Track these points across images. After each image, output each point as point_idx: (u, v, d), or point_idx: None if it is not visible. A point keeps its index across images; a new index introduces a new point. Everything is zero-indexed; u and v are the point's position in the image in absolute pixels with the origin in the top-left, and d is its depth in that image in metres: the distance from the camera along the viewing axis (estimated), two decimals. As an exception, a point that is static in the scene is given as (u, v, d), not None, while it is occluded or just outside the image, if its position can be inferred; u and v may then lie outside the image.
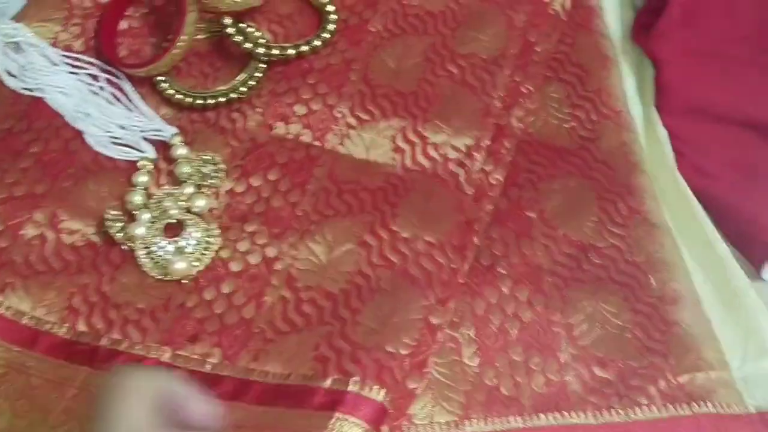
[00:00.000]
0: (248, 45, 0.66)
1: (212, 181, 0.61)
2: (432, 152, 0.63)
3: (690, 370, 0.54)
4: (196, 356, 0.53)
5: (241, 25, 0.68)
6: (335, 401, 0.49)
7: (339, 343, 0.51)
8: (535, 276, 0.59)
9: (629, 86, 0.71)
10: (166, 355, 0.52)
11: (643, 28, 0.72)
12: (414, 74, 0.67)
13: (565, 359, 0.55)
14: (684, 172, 0.66)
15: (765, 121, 0.67)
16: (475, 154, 0.62)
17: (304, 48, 0.67)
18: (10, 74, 0.65)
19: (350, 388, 0.49)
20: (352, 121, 0.64)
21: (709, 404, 0.52)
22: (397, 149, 0.63)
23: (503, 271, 0.59)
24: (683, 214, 0.63)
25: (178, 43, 0.64)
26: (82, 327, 0.54)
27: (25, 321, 0.54)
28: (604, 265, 0.60)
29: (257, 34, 0.68)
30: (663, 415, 0.52)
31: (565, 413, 0.53)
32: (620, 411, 0.53)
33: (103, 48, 0.67)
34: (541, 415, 0.52)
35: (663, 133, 0.68)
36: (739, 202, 0.63)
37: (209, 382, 0.51)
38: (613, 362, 0.55)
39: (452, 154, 0.62)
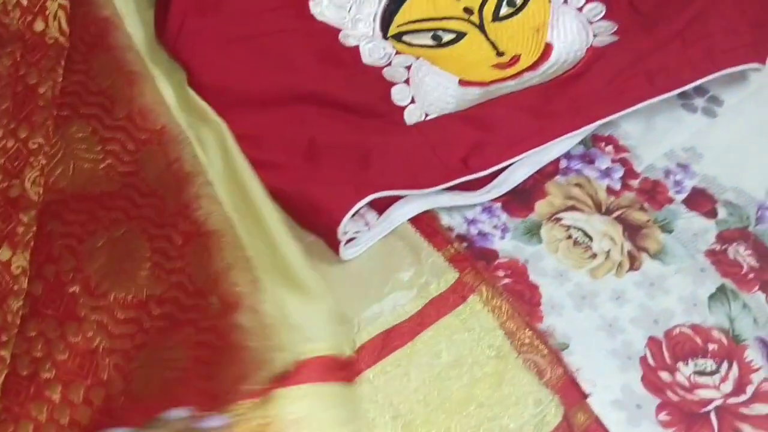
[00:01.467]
0: None
1: None
2: None
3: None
4: None
5: None
6: None
7: None
8: (90, 365, 0.49)
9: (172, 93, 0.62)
10: None
11: (163, 29, 0.63)
12: None
13: None
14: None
15: (310, 91, 0.61)
16: None
17: None
18: None
19: None
20: None
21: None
22: None
23: (48, 375, 0.48)
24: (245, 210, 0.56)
25: None
26: None
27: None
28: (166, 313, 0.51)
29: None
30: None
31: None
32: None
33: None
34: None
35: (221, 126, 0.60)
36: (300, 188, 0.57)
37: None
38: None
39: None
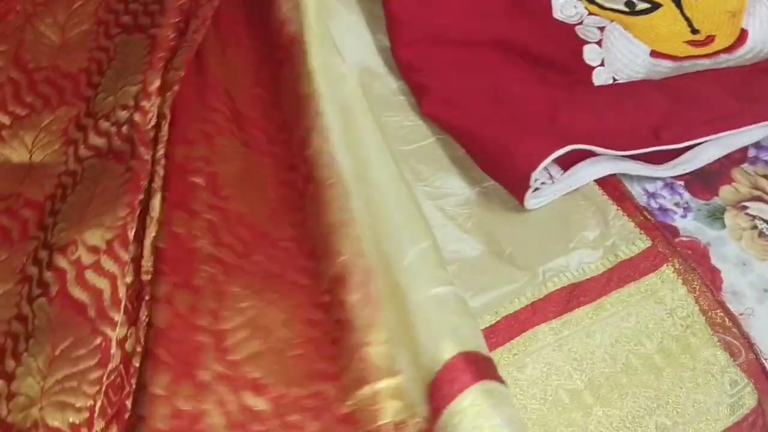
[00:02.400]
0: None
1: None
2: (104, 124, 0.48)
3: (357, 386, 0.41)
4: None
5: None
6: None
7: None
8: (184, 263, 0.44)
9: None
10: None
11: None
12: (84, 45, 0.53)
13: (205, 379, 0.40)
14: (430, 109, 0.58)
15: (500, 37, 0.60)
16: (143, 103, 0.47)
17: None
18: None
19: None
20: (4, 119, 0.50)
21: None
22: (69, 141, 0.49)
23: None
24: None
25: None
26: None
27: None
28: (279, 259, 0.46)
29: None
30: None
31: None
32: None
33: None
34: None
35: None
36: (490, 131, 0.55)
37: None
38: (271, 387, 0.41)
39: (123, 115, 0.48)
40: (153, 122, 0.47)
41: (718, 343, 0.47)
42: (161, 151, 0.46)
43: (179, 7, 0.52)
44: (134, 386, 0.39)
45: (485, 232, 0.53)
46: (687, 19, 0.64)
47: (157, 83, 0.48)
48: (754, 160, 0.60)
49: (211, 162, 0.47)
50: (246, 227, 0.46)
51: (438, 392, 0.40)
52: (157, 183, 0.45)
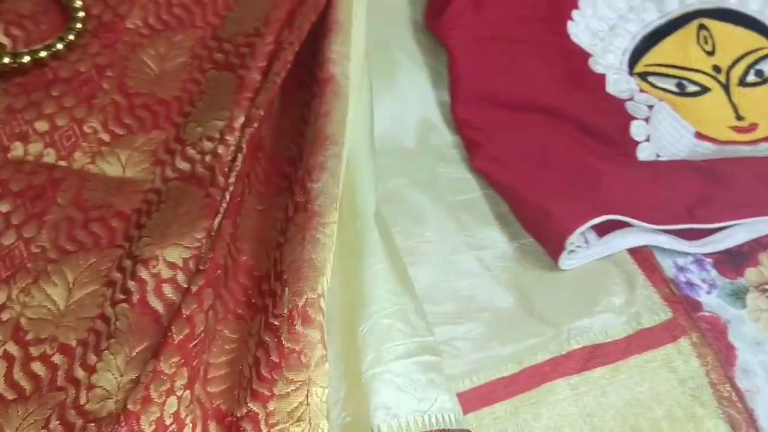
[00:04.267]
0: (-28, 54, 0.56)
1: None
2: (190, 152, 0.54)
3: (291, 419, 0.43)
4: None
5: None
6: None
7: (72, 416, 0.43)
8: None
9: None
10: None
11: (436, 14, 0.68)
12: (179, 76, 0.59)
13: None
14: (480, 164, 0.63)
15: (552, 105, 0.64)
16: (228, 137, 0.54)
17: (43, 54, 0.57)
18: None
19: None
20: (104, 136, 0.56)
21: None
22: (158, 162, 0.55)
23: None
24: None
25: None
26: None
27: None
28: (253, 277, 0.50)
29: (-14, 40, 0.58)
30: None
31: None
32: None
33: None
34: None
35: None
36: (533, 191, 0.60)
37: None
38: None
39: (208, 146, 0.54)
40: (233, 154, 0.53)
41: (722, 416, 0.51)
42: (232, 179, 0.52)
43: (267, 51, 0.58)
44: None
45: (518, 285, 0.57)
46: (733, 105, 0.68)
47: (241, 119, 0.54)
48: (783, 247, 0.63)
49: (237, 238, 0.52)
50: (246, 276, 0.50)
51: None
52: (222, 207, 0.50)
